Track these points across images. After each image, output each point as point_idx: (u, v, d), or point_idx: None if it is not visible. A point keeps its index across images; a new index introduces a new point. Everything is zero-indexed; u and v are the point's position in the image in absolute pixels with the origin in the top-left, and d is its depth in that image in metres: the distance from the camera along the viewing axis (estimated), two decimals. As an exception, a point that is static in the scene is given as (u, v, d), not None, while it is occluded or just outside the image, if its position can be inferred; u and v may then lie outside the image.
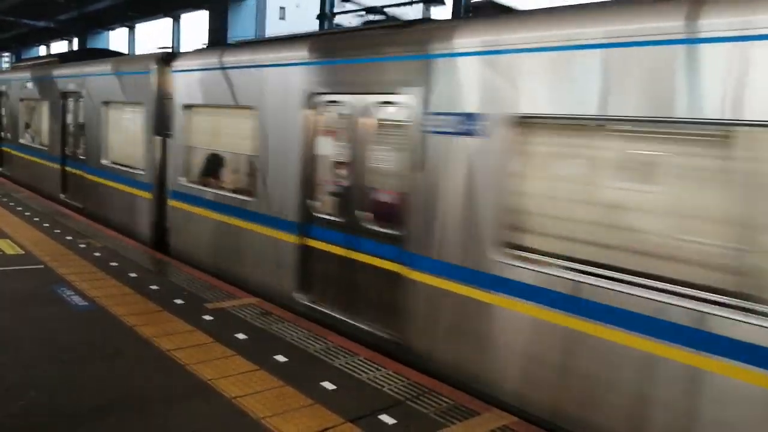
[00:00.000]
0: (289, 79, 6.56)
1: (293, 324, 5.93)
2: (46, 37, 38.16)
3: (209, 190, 8.01)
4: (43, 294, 6.37)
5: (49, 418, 3.91)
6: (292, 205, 6.52)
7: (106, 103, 10.67)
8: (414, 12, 16.81)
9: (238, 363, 4.91)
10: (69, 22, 30.07)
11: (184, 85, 8.44)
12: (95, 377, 4.54)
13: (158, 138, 9.01)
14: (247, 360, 4.97)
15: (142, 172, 9.48)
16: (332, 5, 18.76)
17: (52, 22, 29.77)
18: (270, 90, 6.84)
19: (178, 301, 6.42)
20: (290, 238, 6.54)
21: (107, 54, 14.08)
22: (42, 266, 7.43)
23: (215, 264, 7.78)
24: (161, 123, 8.99)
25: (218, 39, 20.69)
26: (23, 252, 8.05)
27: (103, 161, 10.76)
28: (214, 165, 8.28)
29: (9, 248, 8.20)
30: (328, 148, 6.30)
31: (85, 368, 4.69)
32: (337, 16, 18.13)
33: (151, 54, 10.06)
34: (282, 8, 37.03)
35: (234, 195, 7.54)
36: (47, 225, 9.99)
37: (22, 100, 15.33)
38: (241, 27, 22.35)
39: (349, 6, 16.54)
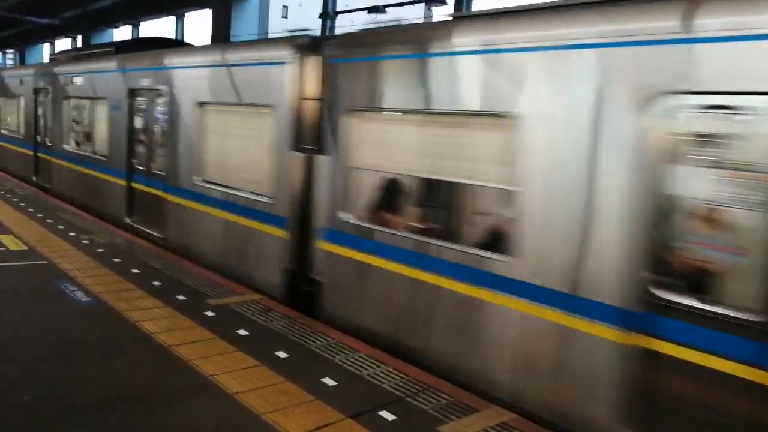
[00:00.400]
0: (604, 67, 3.97)
1: (295, 321, 5.96)
2: (50, 35, 38.22)
3: (407, 236, 5.40)
4: (46, 289, 6.41)
5: (52, 413, 3.94)
6: (609, 278, 3.96)
7: (203, 104, 8.07)
8: (415, 12, 16.85)
9: (239, 359, 4.94)
10: (73, 19, 30.15)
11: (355, 80, 5.84)
12: (98, 372, 4.58)
13: (298, 155, 6.44)
14: (248, 356, 5.00)
15: (267, 200, 6.87)
16: (334, 4, 18.81)
17: (57, 20, 29.83)
18: (552, 87, 4.27)
19: (181, 297, 6.45)
20: (610, 335, 3.93)
21: (178, 44, 11.88)
22: (45, 262, 7.47)
23: (423, 351, 5.13)
24: (303, 133, 6.46)
25: (222, 38, 20.73)
26: (26, 248, 8.09)
27: (197, 180, 8.17)
28: (407, 198, 5.95)
29: (12, 244, 8.24)
30: (706, 187, 3.77)
31: (88, 363, 4.72)
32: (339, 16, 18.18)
33: (285, 38, 7.36)
34: (285, 7, 37.04)
35: (462, 248, 4.94)
36: (50, 221, 10.03)
37: (67, 98, 12.83)
38: (244, 25, 22.37)
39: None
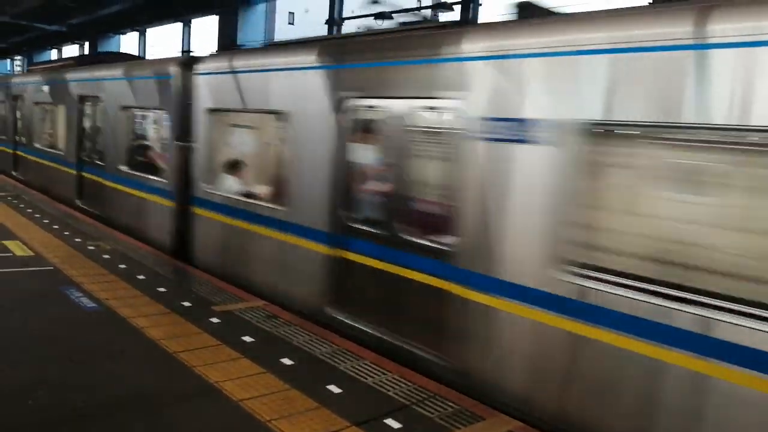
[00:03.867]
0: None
1: (300, 327, 5.95)
2: (58, 41, 38.47)
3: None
4: (52, 295, 6.42)
5: (58, 418, 3.94)
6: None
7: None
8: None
9: (244, 366, 4.93)
10: (81, 26, 30.32)
11: None
12: (102, 378, 4.57)
13: None
14: (253, 363, 4.99)
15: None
16: (341, 11, 18.85)
17: (64, 26, 30.02)
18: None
19: (186, 304, 6.45)
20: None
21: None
22: (51, 268, 7.48)
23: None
24: None
25: (228, 44, 20.81)
26: (33, 253, 8.11)
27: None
28: None
29: (19, 250, 8.27)
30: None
31: (93, 369, 4.72)
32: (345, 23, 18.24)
33: None
34: (291, 13, 37.14)
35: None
36: (57, 227, 10.06)
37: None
38: (251, 32, 22.44)
39: (377, 7, 16.49)
